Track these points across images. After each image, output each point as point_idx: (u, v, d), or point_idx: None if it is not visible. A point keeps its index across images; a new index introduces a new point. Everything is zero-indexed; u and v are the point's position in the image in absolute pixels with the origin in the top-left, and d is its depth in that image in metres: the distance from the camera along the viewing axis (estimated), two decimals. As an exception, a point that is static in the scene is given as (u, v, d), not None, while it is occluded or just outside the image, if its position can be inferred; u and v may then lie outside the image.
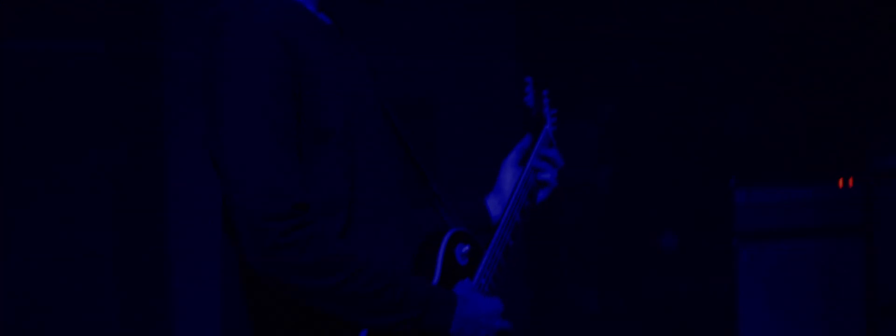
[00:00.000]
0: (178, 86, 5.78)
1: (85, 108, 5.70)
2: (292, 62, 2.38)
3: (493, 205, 3.07)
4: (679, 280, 6.25)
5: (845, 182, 5.53)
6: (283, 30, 2.38)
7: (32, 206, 5.60)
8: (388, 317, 2.40)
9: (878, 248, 5.53)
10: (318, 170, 2.41)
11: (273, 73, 2.35)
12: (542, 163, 3.08)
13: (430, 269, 2.56)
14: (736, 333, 5.34)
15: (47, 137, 5.64)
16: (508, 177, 3.07)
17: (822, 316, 5.44)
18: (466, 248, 2.64)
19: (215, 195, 2.46)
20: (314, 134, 2.41)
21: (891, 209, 5.57)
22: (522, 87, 3.19)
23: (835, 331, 5.45)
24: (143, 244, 5.83)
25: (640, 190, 6.58)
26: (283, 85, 2.36)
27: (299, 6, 2.53)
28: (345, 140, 2.44)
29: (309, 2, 2.57)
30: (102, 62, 5.72)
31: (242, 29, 2.36)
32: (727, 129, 6.43)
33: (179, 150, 5.85)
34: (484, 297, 2.59)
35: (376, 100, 2.59)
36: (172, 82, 5.80)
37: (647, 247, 6.42)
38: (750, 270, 5.35)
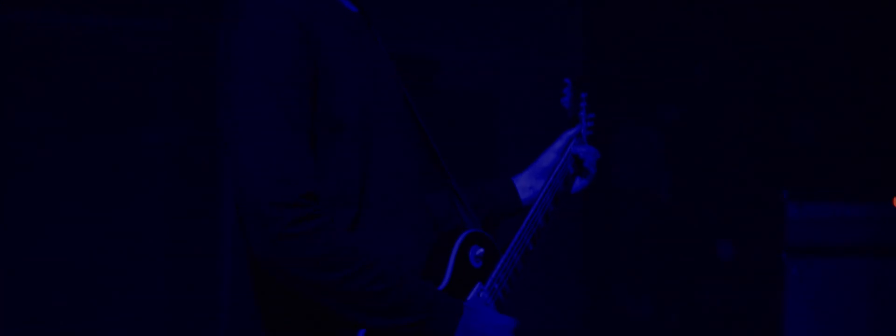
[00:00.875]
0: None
1: (147, 85, 5.72)
2: (310, 48, 2.34)
3: (523, 186, 3.04)
4: (728, 291, 6.19)
5: (901, 202, 5.45)
6: (303, 15, 2.35)
7: (89, 184, 5.63)
8: (390, 319, 2.34)
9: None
10: (330, 161, 2.37)
11: (289, 57, 2.31)
12: (580, 154, 3.07)
13: (441, 269, 2.50)
14: (780, 348, 5.28)
15: (109, 114, 5.66)
16: (546, 161, 3.06)
17: (868, 336, 5.36)
18: (481, 250, 2.58)
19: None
20: (328, 124, 2.36)
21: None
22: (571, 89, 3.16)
23: (880, 352, 5.37)
24: (197, 226, 5.85)
25: (700, 198, 6.51)
26: (298, 70, 2.32)
27: None
28: (360, 133, 2.39)
29: None
30: (167, 40, 5.73)
31: (260, 11, 2.33)
32: (790, 140, 6.35)
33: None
34: (497, 312, 2.51)
35: (399, 93, 2.54)
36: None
37: (701, 255, 6.35)
38: (798, 286, 5.27)
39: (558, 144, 3.10)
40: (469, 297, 2.53)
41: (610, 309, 6.88)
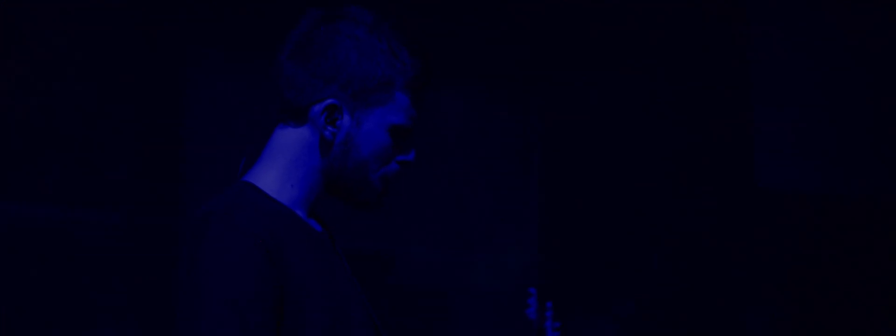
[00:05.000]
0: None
1: (98, 277, 5.68)
2: (275, 272, 2.30)
3: None
4: None
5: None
6: (269, 237, 2.32)
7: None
8: None
9: None
10: None
11: (254, 281, 2.28)
12: None
13: None
14: None
15: (59, 305, 5.61)
16: None
17: None
18: None
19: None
20: None
21: None
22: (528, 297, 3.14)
23: None
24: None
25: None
26: (263, 295, 2.28)
27: (288, 212, 2.45)
28: None
29: (299, 207, 2.49)
30: (120, 233, 5.72)
31: (225, 233, 2.31)
32: (748, 329, 6.38)
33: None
34: None
35: (365, 314, 2.49)
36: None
37: None
38: None
39: None
40: None
41: None
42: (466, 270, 6.77)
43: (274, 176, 2.46)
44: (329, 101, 2.44)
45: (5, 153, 5.47)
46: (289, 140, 2.48)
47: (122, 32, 5.65)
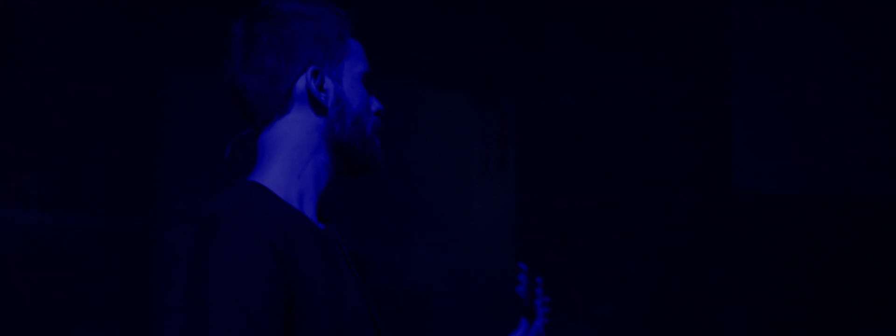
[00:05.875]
0: (169, 266, 5.77)
1: (76, 281, 5.67)
2: (285, 274, 2.30)
3: None
4: None
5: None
6: (278, 239, 2.31)
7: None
8: None
9: None
10: None
11: (264, 284, 2.27)
12: None
13: None
14: None
15: (37, 309, 5.60)
16: None
17: None
18: None
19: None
20: None
21: None
22: (517, 277, 3.13)
23: None
24: None
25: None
26: (273, 298, 2.27)
27: (296, 213, 2.43)
28: None
29: (308, 202, 2.49)
30: (98, 237, 5.71)
31: (236, 235, 2.29)
32: (725, 331, 6.39)
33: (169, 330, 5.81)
34: None
35: (368, 315, 2.51)
36: (163, 262, 5.79)
37: None
38: None
39: (519, 333, 3.10)
40: None
41: None
42: (442, 272, 6.77)
43: (278, 171, 2.47)
44: (311, 68, 2.49)
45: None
46: (281, 133, 2.50)
47: (99, 38, 5.64)
